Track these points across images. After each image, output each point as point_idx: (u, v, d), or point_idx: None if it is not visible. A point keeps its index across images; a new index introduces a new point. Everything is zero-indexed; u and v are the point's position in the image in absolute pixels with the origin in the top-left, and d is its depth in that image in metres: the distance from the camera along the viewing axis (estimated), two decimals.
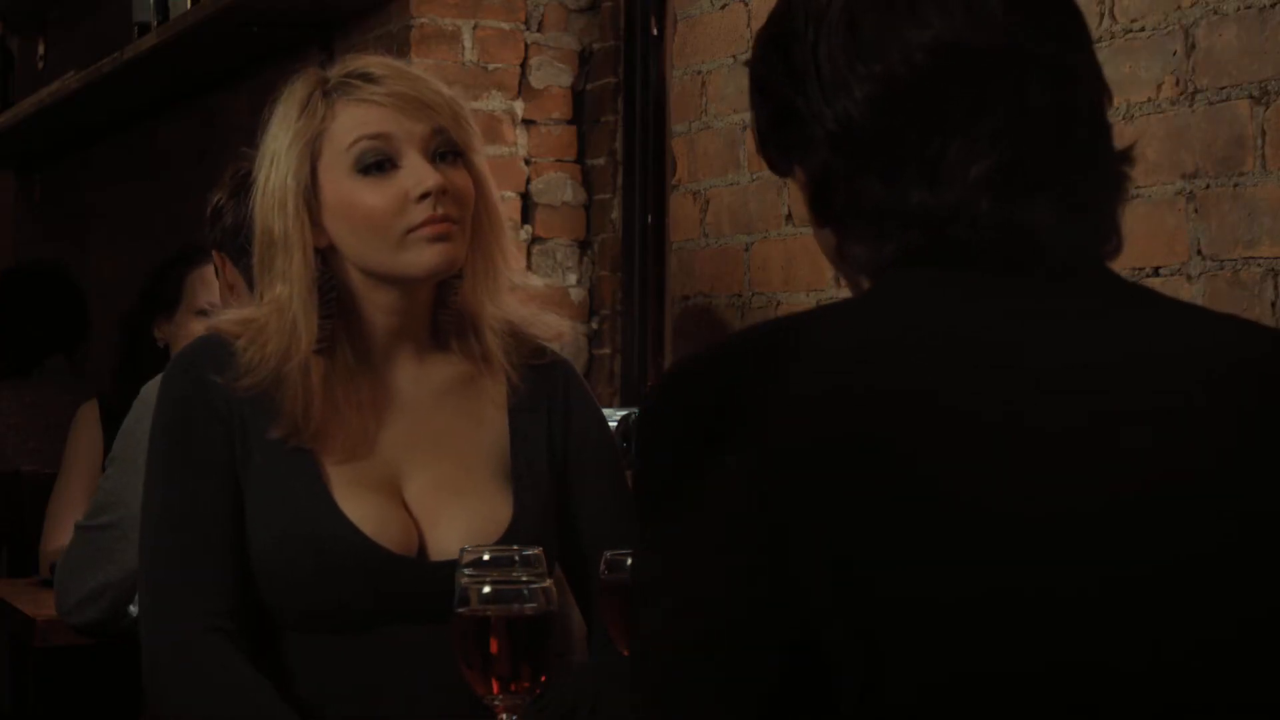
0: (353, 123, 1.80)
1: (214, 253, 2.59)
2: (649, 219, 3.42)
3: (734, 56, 3.18)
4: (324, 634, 1.78)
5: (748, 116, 3.13)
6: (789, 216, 3.04)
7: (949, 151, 1.16)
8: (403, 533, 1.80)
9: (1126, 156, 1.23)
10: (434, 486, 1.83)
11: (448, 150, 1.82)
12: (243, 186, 2.57)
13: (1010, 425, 1.09)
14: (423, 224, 1.76)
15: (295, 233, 1.79)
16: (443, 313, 1.88)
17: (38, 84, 5.78)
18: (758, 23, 3.10)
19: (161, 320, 3.28)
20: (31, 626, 2.70)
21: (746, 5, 3.15)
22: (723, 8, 3.22)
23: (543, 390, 1.92)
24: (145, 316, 3.32)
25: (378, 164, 1.78)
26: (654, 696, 1.11)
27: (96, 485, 3.13)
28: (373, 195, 1.78)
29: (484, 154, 1.88)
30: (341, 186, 1.80)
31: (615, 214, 3.50)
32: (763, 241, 3.10)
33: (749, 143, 3.15)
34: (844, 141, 1.19)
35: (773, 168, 1.29)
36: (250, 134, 1.90)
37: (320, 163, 1.81)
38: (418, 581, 1.76)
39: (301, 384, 1.79)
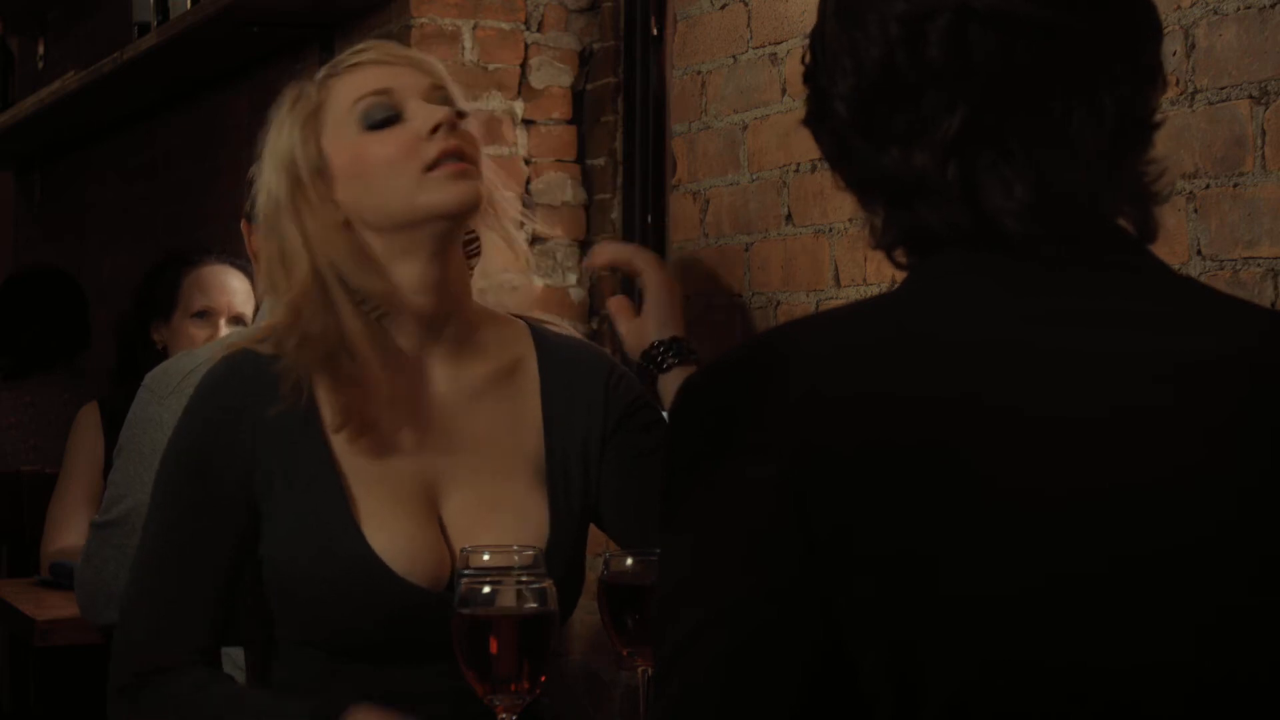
0: (352, 87, 1.76)
1: (242, 221, 2.59)
2: (649, 219, 3.42)
3: (734, 56, 3.18)
4: (346, 659, 1.74)
5: (748, 116, 3.15)
6: (789, 216, 3.04)
7: (947, 122, 1.15)
8: (436, 566, 1.73)
9: (1152, 125, 1.21)
10: (472, 504, 1.77)
11: (449, 106, 1.78)
12: None
13: (1047, 420, 1.08)
14: (438, 158, 1.72)
15: (308, 202, 1.75)
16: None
17: (38, 84, 5.78)
18: (758, 23, 3.11)
19: (158, 323, 3.28)
20: (31, 626, 2.70)
21: (746, 5, 3.15)
22: (723, 8, 3.22)
23: (577, 377, 1.87)
24: (141, 319, 3.32)
25: (384, 119, 1.74)
26: (679, 709, 1.09)
27: (97, 487, 3.15)
28: (383, 146, 1.73)
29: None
30: (352, 146, 1.75)
31: (615, 214, 3.49)
32: (763, 241, 3.10)
33: (749, 142, 3.14)
34: (846, 114, 1.20)
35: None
36: (250, 134, 1.89)
37: (324, 137, 1.76)
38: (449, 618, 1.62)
39: (348, 367, 1.73)
